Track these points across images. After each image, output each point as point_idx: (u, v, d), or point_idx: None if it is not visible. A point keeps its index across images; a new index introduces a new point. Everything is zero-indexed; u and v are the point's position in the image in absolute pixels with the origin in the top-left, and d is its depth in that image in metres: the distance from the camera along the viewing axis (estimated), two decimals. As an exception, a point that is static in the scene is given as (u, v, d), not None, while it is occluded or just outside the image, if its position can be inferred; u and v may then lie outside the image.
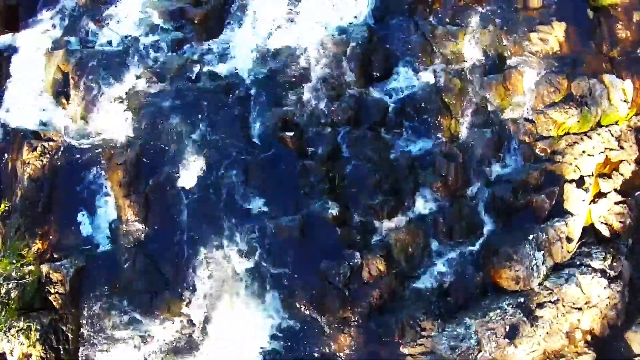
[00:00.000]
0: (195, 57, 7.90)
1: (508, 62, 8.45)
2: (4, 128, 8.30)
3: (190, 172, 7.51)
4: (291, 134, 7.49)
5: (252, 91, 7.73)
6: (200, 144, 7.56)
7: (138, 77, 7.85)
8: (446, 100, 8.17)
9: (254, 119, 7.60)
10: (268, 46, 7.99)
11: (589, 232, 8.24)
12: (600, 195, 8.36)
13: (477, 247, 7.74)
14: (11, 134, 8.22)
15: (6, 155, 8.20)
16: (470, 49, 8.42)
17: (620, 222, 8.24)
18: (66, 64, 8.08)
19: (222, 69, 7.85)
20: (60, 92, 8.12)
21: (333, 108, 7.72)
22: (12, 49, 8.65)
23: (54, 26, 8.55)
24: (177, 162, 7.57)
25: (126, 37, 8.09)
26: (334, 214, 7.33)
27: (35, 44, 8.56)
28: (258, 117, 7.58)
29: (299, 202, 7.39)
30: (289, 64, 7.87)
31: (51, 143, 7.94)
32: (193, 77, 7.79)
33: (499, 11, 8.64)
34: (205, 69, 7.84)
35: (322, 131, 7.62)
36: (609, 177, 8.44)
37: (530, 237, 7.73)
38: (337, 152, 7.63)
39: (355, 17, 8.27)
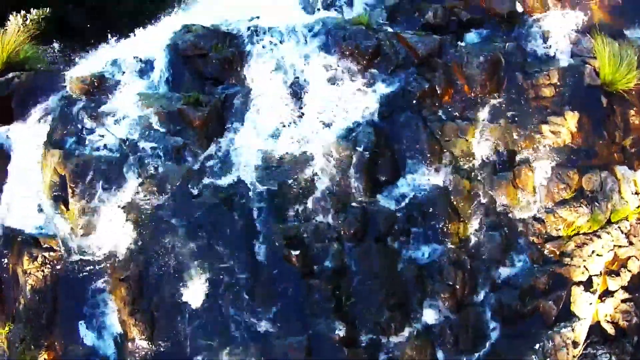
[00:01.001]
0: (197, 167, 7.65)
1: (518, 157, 8.24)
2: (3, 229, 8.14)
3: (195, 289, 7.42)
4: (296, 252, 7.36)
5: (256, 205, 7.53)
6: (203, 261, 7.44)
7: (139, 187, 7.62)
8: (455, 203, 7.99)
9: (258, 235, 7.44)
10: (271, 152, 7.74)
11: (595, 331, 8.26)
12: (607, 293, 8.32)
13: (482, 356, 7.76)
14: (10, 236, 8.07)
15: (6, 259, 8.07)
16: (480, 145, 8.17)
17: (626, 320, 8.24)
18: (63, 167, 7.83)
19: (224, 180, 7.61)
20: (58, 197, 7.89)
21: (339, 221, 7.55)
22: (7, 143, 8.37)
23: (48, 120, 8.21)
24: (182, 278, 7.47)
25: (124, 140, 7.80)
26: (341, 335, 7.29)
27: (30, 139, 8.27)
28: (262, 233, 7.42)
29: (305, 321, 7.34)
30: (294, 174, 7.65)
31: (52, 253, 7.80)
32: (195, 190, 7.56)
33: (510, 102, 8.35)
34: (207, 181, 7.61)
35: (328, 247, 7.48)
36: (617, 274, 8.38)
37: (537, 346, 7.75)
38: (343, 268, 7.51)
39: (362, 116, 7.96)
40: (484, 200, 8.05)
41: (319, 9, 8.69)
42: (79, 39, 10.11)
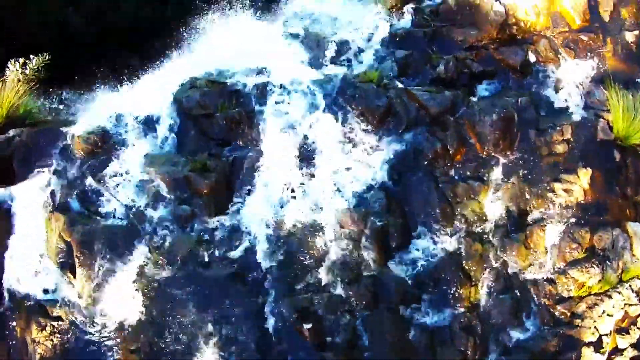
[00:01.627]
0: (205, 237, 7.52)
1: (530, 217, 8.14)
2: (9, 292, 8.03)
3: (206, 364, 7.38)
4: (308, 325, 7.30)
5: (266, 277, 7.44)
6: (213, 334, 7.37)
7: (147, 257, 7.51)
8: (466, 267, 7.92)
9: (268, 309, 7.37)
10: (281, 220, 7.60)
11: (603, 389, 8.31)
12: (616, 351, 8.33)
13: None
14: (17, 300, 7.97)
15: (14, 323, 7.99)
16: (492, 206, 8.06)
17: (635, 378, 8.27)
18: (69, 235, 7.70)
19: (234, 251, 7.50)
20: (65, 264, 7.77)
21: (351, 292, 7.48)
22: (10, 204, 8.20)
23: (51, 181, 8.04)
24: (192, 351, 7.42)
25: (130, 207, 7.65)
26: (353, 411, 7.30)
27: (33, 201, 8.10)
28: (273, 307, 7.35)
29: (318, 396, 7.33)
30: (305, 244, 7.54)
31: (60, 322, 7.72)
32: (204, 260, 7.46)
33: (522, 160, 8.22)
34: (216, 251, 7.49)
35: (340, 319, 7.42)
36: (627, 332, 8.36)
37: (547, 408, 7.81)
38: (355, 339, 7.47)
39: (373, 178, 7.82)
40: (495, 263, 7.98)
41: (326, 65, 8.41)
42: (81, 84, 9.83)
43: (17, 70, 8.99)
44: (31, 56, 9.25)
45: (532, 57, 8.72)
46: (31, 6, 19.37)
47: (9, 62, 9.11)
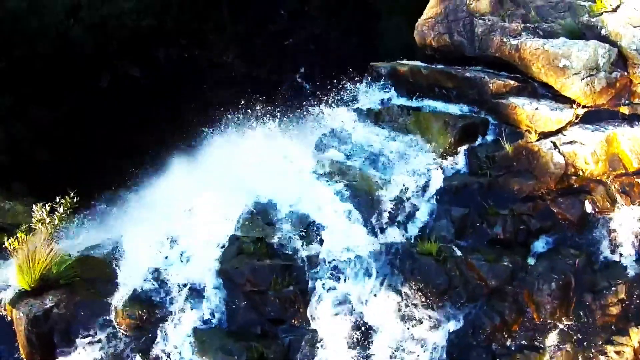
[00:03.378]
0: None
1: (582, 383, 8.19)
2: None
3: None
4: None
5: None
6: None
7: None
8: None
9: None
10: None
11: None
12: None
13: None
14: None
15: None
16: (547, 377, 8.07)
17: None
18: None
19: None
20: None
21: None
22: (54, 383, 7.91)
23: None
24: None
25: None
26: None
27: (77, 382, 7.83)
28: None
29: None
30: None
31: None
32: None
33: (577, 325, 8.18)
34: None
35: None
36: None
37: None
38: None
39: (430, 357, 7.69)
40: None
41: (381, 227, 7.99)
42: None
43: (43, 217, 8.39)
44: (57, 198, 8.63)
45: (588, 208, 8.45)
46: (31, 17, 18.14)
47: (34, 207, 8.50)
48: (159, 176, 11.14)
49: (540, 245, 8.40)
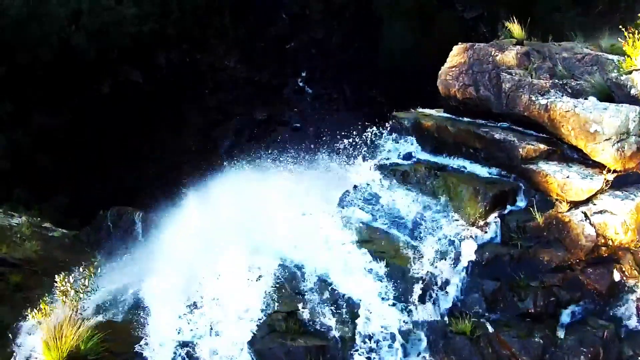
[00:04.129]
0: None
1: None
2: None
3: None
4: None
5: None
6: None
7: None
8: None
9: None
10: None
11: None
12: None
13: None
14: None
15: None
16: None
17: None
18: None
19: None
20: None
21: None
22: None
23: None
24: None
25: None
26: None
27: None
28: None
29: None
30: None
31: None
32: None
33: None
34: None
35: None
36: None
37: None
38: None
39: None
40: None
41: (416, 304, 7.95)
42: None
43: (67, 290, 8.23)
44: (80, 269, 8.48)
45: (617, 277, 8.46)
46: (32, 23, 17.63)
47: (56, 279, 8.34)
48: (174, 216, 11.02)
49: (569, 315, 8.44)
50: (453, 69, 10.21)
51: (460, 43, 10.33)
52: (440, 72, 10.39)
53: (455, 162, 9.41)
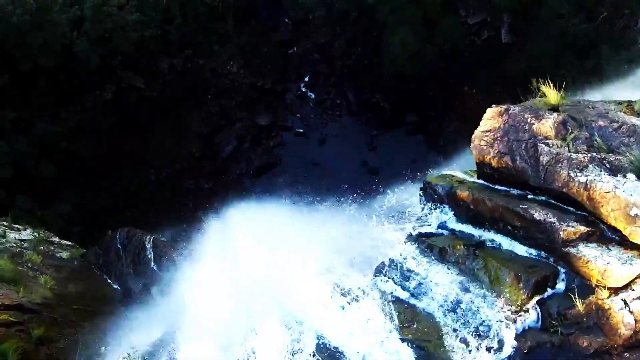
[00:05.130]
0: None
1: None
2: None
3: None
4: None
5: None
6: None
7: None
8: None
9: None
10: None
11: None
12: None
13: None
14: None
15: None
16: None
17: None
18: None
19: None
20: None
21: None
22: None
23: None
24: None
25: None
26: None
27: None
28: None
29: None
30: None
31: None
32: None
33: None
34: None
35: None
36: None
37: None
38: None
39: None
40: None
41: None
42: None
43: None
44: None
45: (654, 363, 8.59)
46: (34, 30, 17.05)
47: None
48: (190, 254, 10.87)
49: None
50: (487, 133, 10.04)
51: (494, 105, 10.13)
52: (473, 136, 10.21)
53: (493, 236, 9.37)
